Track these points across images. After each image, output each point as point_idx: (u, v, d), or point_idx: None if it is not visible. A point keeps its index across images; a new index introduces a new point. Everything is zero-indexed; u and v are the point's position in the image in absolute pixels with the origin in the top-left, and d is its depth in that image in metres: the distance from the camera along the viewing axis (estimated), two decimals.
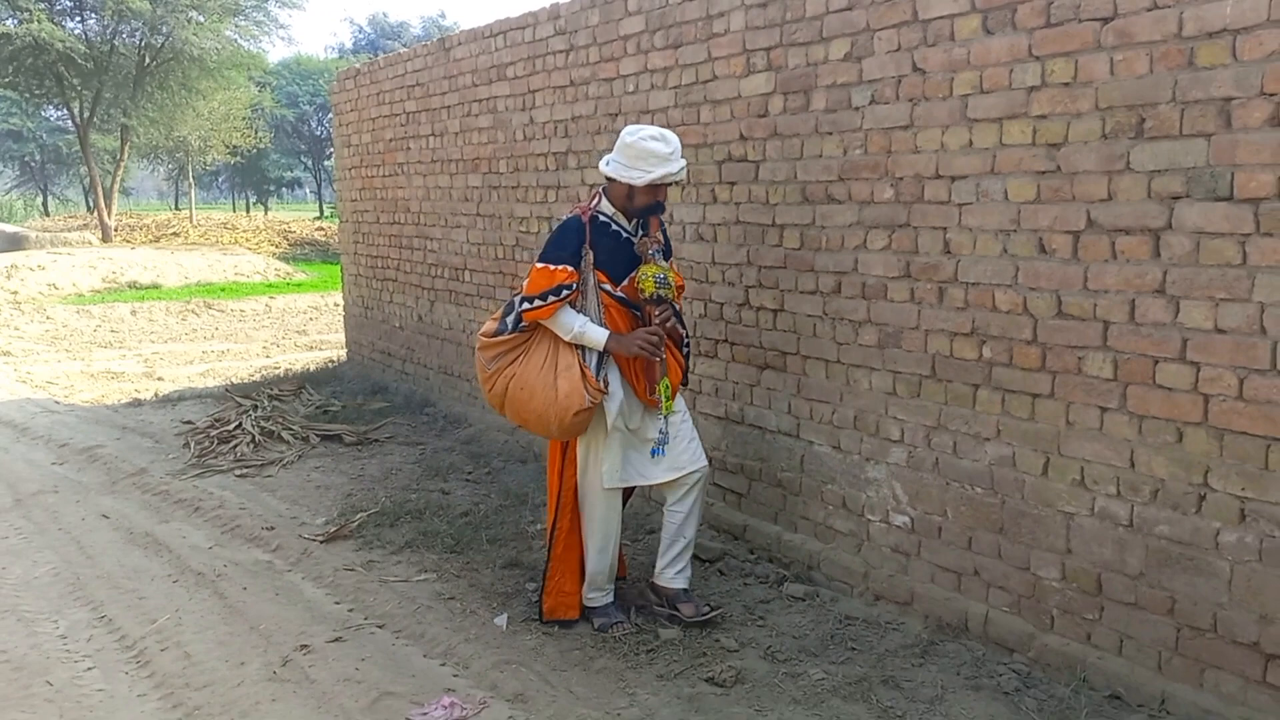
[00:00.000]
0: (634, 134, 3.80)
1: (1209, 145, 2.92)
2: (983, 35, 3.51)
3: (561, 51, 5.79)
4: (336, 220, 9.97)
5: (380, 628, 4.01)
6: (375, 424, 7.09)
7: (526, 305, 3.81)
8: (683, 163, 3.83)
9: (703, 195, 4.86)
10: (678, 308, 3.99)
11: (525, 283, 3.87)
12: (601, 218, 3.90)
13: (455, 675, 3.63)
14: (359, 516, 5.17)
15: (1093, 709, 3.16)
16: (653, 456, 3.98)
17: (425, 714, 3.33)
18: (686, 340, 4.15)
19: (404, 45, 45.38)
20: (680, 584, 4.03)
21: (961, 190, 3.64)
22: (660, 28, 5.01)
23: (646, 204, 3.86)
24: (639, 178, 3.77)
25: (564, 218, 4.00)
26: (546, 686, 3.50)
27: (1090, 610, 3.35)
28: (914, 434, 3.93)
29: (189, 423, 7.34)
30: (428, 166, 7.49)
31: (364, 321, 9.05)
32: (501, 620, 4.03)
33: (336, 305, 14.25)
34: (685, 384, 4.19)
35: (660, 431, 3.94)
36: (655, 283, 3.82)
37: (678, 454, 3.99)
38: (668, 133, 3.82)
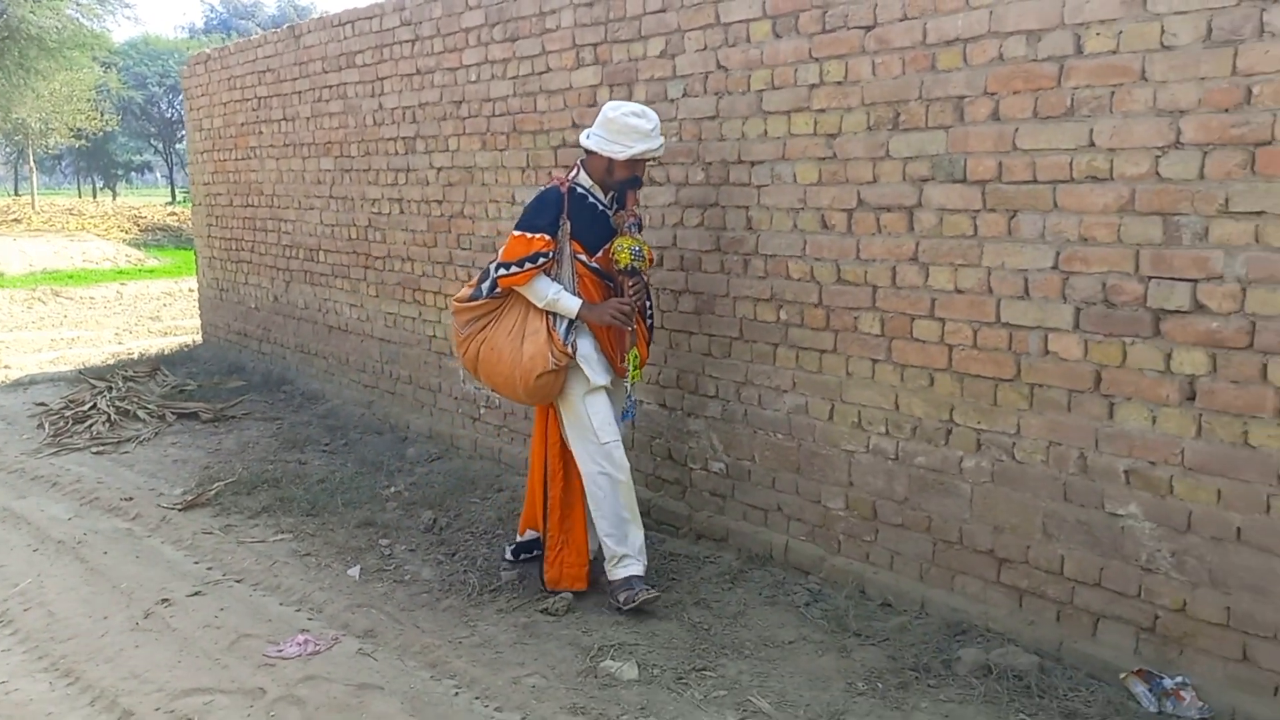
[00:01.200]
0: (616, 109, 3.87)
1: (947, 136, 3.48)
2: (773, 38, 4.01)
3: (408, 41, 6.09)
4: (190, 205, 9.96)
5: (238, 582, 4.30)
6: (232, 401, 7.26)
7: (502, 271, 3.88)
8: (662, 140, 3.91)
9: (541, 178, 5.25)
10: (646, 276, 4.08)
11: (501, 249, 3.96)
12: (579, 189, 3.96)
13: (310, 619, 3.95)
14: (216, 486, 5.40)
15: (866, 615, 3.72)
16: (624, 420, 4.09)
17: (280, 650, 3.65)
18: (650, 311, 4.21)
19: (259, 25, 44.14)
20: (616, 573, 3.93)
21: (759, 173, 4.14)
22: (499, 22, 5.37)
23: (625, 178, 3.91)
24: (620, 152, 3.82)
25: (543, 188, 4.06)
26: (394, 624, 3.87)
27: (868, 533, 3.91)
28: (726, 389, 4.43)
29: (42, 404, 7.36)
30: (280, 150, 7.67)
31: (219, 303, 9.13)
32: (354, 571, 4.36)
33: (191, 291, 14.08)
34: (647, 350, 4.22)
35: (629, 399, 4.04)
36: (631, 255, 3.88)
37: None
38: (648, 110, 3.91)
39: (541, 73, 5.16)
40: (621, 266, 3.92)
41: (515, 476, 5.44)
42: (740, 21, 4.12)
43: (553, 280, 3.91)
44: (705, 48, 4.28)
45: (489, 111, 5.56)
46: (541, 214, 3.91)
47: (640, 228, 4.02)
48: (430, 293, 6.22)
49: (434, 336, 6.25)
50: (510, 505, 5.04)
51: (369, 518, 4.95)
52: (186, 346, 9.80)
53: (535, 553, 4.22)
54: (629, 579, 3.87)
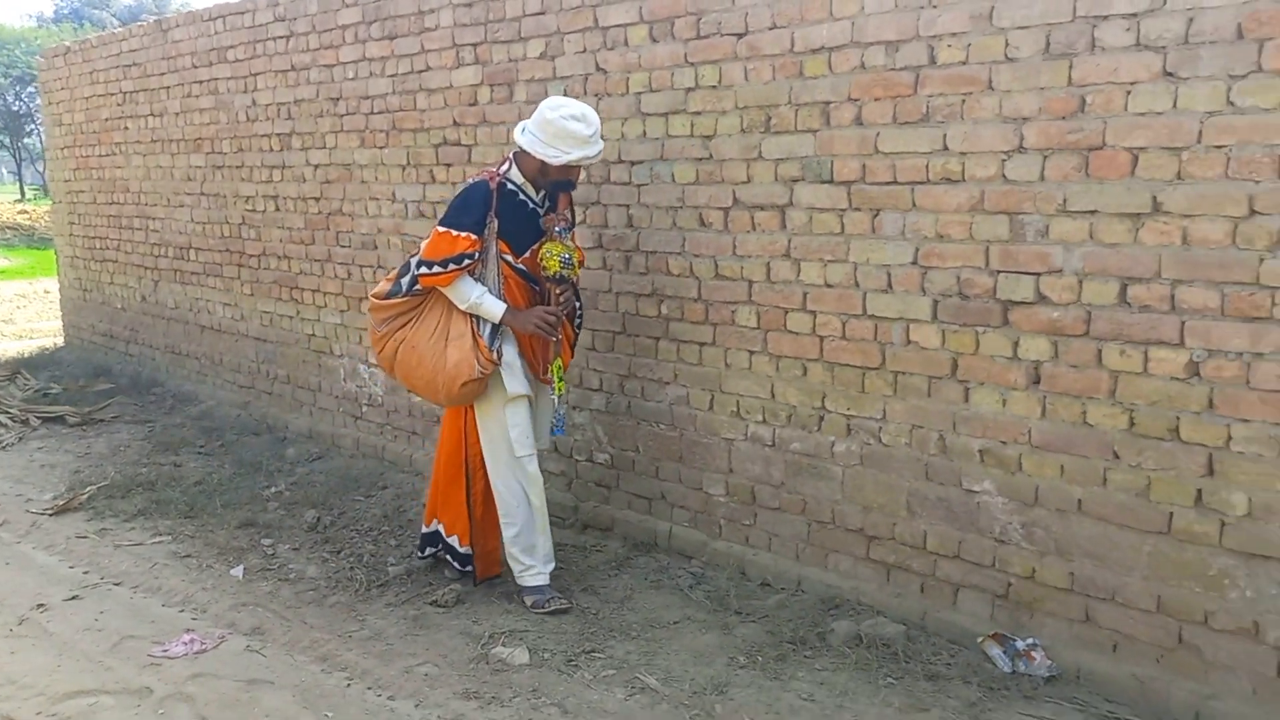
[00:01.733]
0: (555, 109, 3.63)
1: (815, 139, 3.69)
2: (650, 43, 4.15)
3: (282, 37, 6.02)
4: (43, 202, 9.54)
5: (118, 585, 4.22)
6: (100, 404, 7.02)
7: (424, 270, 3.70)
8: (601, 145, 3.73)
9: (422, 175, 5.30)
10: (575, 280, 3.92)
11: (424, 244, 3.77)
12: (510, 185, 3.78)
13: (194, 619, 3.91)
14: (88, 490, 5.26)
15: (746, 594, 3.91)
16: (553, 435, 4.02)
17: (166, 650, 3.62)
18: (580, 313, 4.09)
19: (114, 15, 42.20)
20: (524, 580, 3.96)
21: (639, 173, 4.28)
22: (376, 19, 5.38)
23: (557, 180, 3.77)
24: (555, 157, 3.64)
25: (471, 181, 3.85)
26: (282, 621, 3.87)
27: (747, 517, 4.10)
28: (610, 382, 4.56)
29: None
30: (148, 146, 7.45)
31: (83, 304, 8.81)
32: (238, 571, 4.33)
33: (48, 293, 13.50)
34: (571, 355, 4.17)
35: (557, 413, 3.96)
36: (560, 262, 3.74)
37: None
38: (589, 112, 3.69)
39: (421, 71, 5.20)
40: (550, 274, 3.79)
41: (399, 474, 5.47)
42: (618, 26, 4.25)
43: (476, 280, 3.76)
44: (584, 50, 4.40)
45: (367, 109, 5.55)
46: (468, 211, 3.71)
47: (572, 229, 3.87)
48: (308, 291, 6.17)
49: (313, 335, 6.20)
50: (395, 502, 5.07)
51: (250, 518, 4.90)
52: (47, 350, 9.40)
53: (438, 547, 4.22)
54: (538, 586, 3.92)
